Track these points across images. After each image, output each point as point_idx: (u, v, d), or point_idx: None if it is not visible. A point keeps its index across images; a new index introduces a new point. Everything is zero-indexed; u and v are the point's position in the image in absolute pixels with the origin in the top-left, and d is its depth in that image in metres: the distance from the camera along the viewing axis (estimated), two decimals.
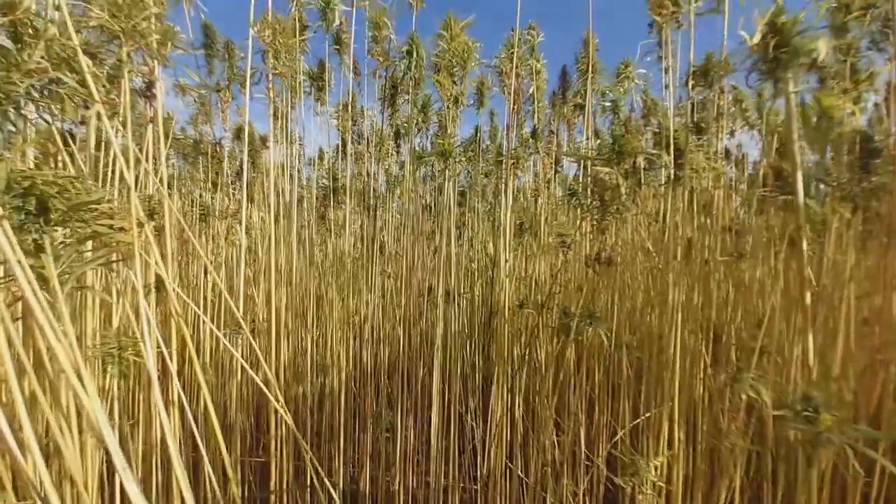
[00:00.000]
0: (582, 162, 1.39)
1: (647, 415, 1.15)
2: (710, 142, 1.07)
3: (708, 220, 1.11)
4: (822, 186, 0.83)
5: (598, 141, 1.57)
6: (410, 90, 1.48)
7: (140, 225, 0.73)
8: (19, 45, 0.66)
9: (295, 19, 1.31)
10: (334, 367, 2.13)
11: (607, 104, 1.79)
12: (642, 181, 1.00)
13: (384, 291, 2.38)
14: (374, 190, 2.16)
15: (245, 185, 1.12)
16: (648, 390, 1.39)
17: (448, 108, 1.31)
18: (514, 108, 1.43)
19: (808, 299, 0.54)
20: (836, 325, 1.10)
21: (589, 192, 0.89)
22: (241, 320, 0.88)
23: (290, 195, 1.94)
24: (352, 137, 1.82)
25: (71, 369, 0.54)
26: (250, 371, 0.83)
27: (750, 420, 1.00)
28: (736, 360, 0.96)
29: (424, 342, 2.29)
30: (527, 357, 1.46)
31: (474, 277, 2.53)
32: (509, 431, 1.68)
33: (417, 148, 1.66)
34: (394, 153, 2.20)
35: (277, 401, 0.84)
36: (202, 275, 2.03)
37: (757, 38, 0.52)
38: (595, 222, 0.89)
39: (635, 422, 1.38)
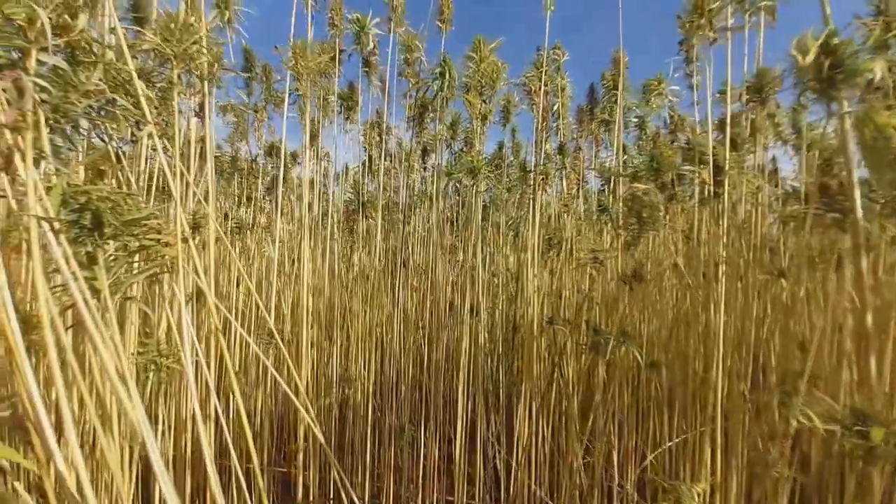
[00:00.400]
0: (612, 178, 1.38)
1: (684, 437, 1.11)
2: (747, 158, 1.05)
3: (744, 238, 1.08)
4: (864, 202, 0.79)
5: (625, 156, 1.55)
6: (439, 109, 1.51)
7: (184, 240, 0.76)
8: (76, 67, 0.71)
9: (311, 42, 1.33)
10: (357, 379, 2.14)
11: (634, 120, 1.78)
12: (675, 197, 0.98)
13: (407, 305, 2.40)
14: (398, 205, 2.19)
15: (278, 201, 1.16)
16: (683, 412, 1.34)
17: (477, 125, 1.33)
18: (542, 125, 1.44)
19: (868, 320, 0.51)
20: (884, 348, 1.04)
21: (624, 209, 0.88)
22: (274, 331, 0.90)
23: (318, 209, 1.99)
24: (380, 153, 1.86)
25: (117, 377, 0.56)
26: (282, 381, 0.85)
27: (795, 448, 0.95)
28: (778, 383, 0.92)
29: (447, 356, 2.28)
30: (555, 375, 1.43)
31: (496, 292, 2.51)
32: (534, 452, 1.64)
33: (445, 164, 1.68)
34: (420, 169, 2.24)
35: (308, 412, 0.85)
36: (232, 285, 2.10)
37: (810, 59, 0.52)
38: (630, 238, 0.87)
39: (668, 444, 1.33)
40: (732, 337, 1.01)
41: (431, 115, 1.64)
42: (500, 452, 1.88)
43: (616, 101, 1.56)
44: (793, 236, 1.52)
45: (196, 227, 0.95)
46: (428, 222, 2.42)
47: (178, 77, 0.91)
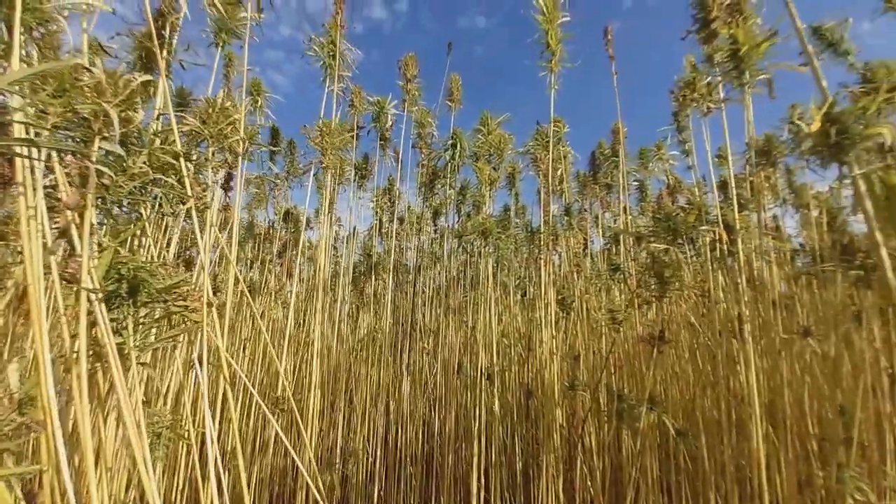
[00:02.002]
0: (622, 237, 1.41)
1: None
2: (752, 217, 1.08)
3: (761, 296, 1.08)
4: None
5: (629, 217, 1.61)
6: (449, 176, 1.61)
7: (210, 305, 0.77)
8: (127, 152, 0.77)
9: (336, 123, 1.45)
10: (362, 450, 2.01)
11: (634, 183, 1.87)
12: (688, 257, 0.99)
13: (416, 369, 2.32)
14: (407, 266, 2.22)
15: (295, 264, 1.18)
16: (717, 487, 1.23)
17: (486, 189, 1.40)
18: (548, 190, 1.52)
19: None
20: None
21: (640, 268, 0.89)
22: (292, 400, 0.87)
23: (328, 272, 2.01)
24: (393, 218, 1.93)
25: (140, 453, 0.53)
26: (295, 455, 0.80)
27: None
28: (822, 452, 0.86)
29: (457, 423, 2.15)
30: (576, 447, 1.34)
31: (507, 353, 2.45)
32: None
33: (456, 226, 1.75)
34: (431, 232, 2.31)
35: (320, 493, 0.79)
36: (238, 350, 2.05)
37: (815, 126, 0.57)
38: (650, 297, 0.87)
39: None
40: (765, 401, 0.97)
41: (442, 181, 1.73)
42: None
43: (616, 166, 1.65)
44: (806, 293, 1.51)
45: (216, 290, 0.96)
46: (436, 283, 2.43)
47: (213, 154, 0.98)
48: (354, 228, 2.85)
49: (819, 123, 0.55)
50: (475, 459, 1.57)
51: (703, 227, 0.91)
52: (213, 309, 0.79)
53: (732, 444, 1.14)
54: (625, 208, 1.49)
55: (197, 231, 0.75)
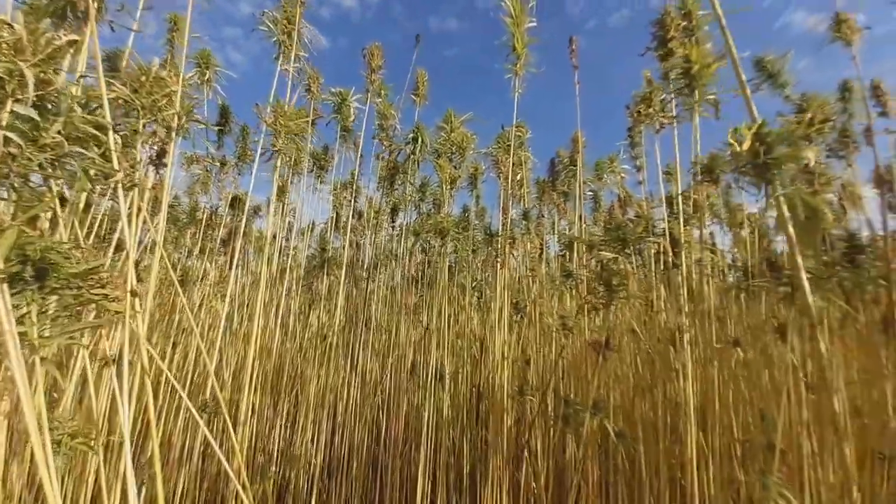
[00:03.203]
0: (576, 244, 1.45)
1: None
2: (693, 232, 1.15)
3: (697, 307, 1.14)
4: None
5: (584, 225, 1.66)
6: (410, 171, 1.57)
7: (133, 294, 0.68)
8: (43, 117, 0.67)
9: (289, 104, 1.38)
10: (302, 456, 1.92)
11: (590, 193, 1.94)
12: (634, 267, 1.03)
13: (365, 368, 2.26)
14: (363, 262, 2.15)
15: (235, 253, 1.09)
16: (652, 489, 1.30)
17: (445, 188, 1.38)
18: (508, 192, 1.53)
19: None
20: (834, 415, 1.09)
21: (590, 275, 0.91)
22: (220, 399, 0.80)
23: (276, 264, 1.90)
24: (350, 212, 1.86)
25: (42, 458, 0.46)
26: (227, 466, 0.73)
27: None
28: (746, 455, 0.92)
29: (406, 425, 2.12)
30: (523, 451, 1.35)
31: (460, 355, 2.44)
32: None
33: (413, 223, 1.71)
34: (389, 227, 2.27)
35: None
36: (169, 345, 1.89)
37: (746, 146, 0.60)
38: (599, 304, 0.89)
39: None
40: (697, 407, 1.02)
41: (402, 177, 1.69)
42: None
43: (574, 175, 1.70)
44: (735, 305, 1.64)
45: (139, 278, 0.87)
46: (392, 281, 2.38)
47: (143, 127, 0.89)
48: (312, 221, 2.74)
49: (750, 142, 0.58)
50: (422, 462, 1.54)
51: (650, 239, 0.95)
52: (136, 298, 0.71)
53: (667, 446, 1.20)
54: (580, 216, 1.54)
55: (122, 211, 0.67)
